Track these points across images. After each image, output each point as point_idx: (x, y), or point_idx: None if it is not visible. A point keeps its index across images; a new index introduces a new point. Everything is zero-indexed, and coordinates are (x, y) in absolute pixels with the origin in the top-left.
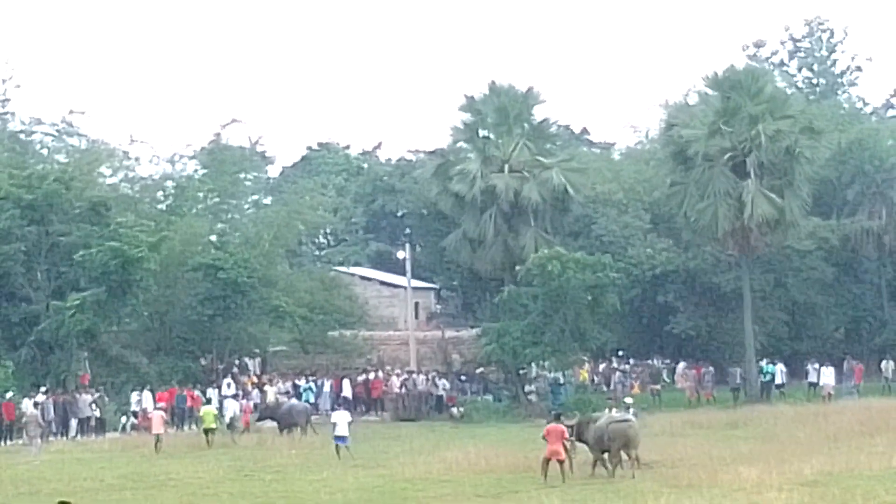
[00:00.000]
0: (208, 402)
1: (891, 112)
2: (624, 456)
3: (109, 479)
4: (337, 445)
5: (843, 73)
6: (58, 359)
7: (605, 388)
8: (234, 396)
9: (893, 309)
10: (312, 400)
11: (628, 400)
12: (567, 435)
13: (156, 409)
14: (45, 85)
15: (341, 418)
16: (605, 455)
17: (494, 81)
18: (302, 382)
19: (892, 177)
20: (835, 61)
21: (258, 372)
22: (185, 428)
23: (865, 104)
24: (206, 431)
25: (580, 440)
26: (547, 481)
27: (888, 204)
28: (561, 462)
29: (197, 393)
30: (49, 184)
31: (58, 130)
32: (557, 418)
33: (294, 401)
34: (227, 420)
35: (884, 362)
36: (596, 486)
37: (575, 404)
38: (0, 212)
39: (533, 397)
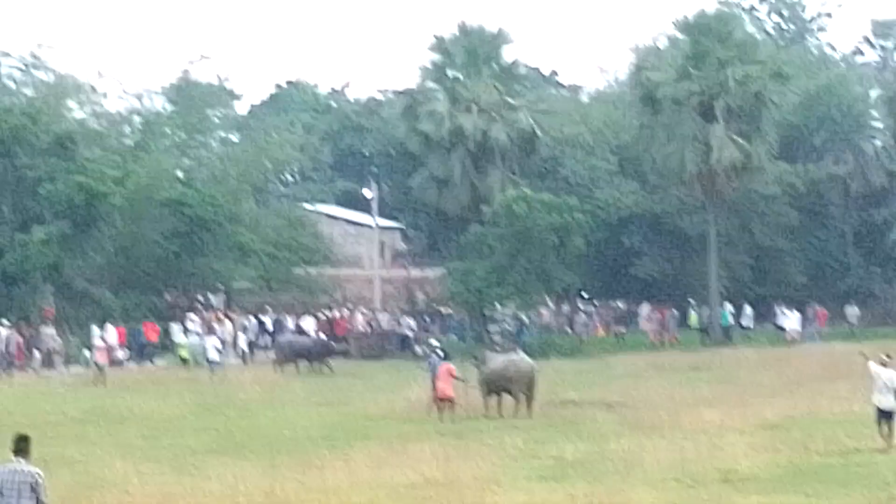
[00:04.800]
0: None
1: (859, 58)
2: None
3: (72, 412)
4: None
5: (812, 19)
6: (22, 292)
7: (568, 330)
8: (198, 333)
9: (858, 255)
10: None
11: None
12: (455, 374)
13: (100, 340)
14: (12, 18)
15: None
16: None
17: (464, 22)
18: (266, 319)
19: (860, 124)
20: (804, 7)
21: (222, 307)
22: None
23: (834, 50)
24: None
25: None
26: (441, 419)
27: (855, 150)
28: (449, 400)
29: (159, 327)
30: (15, 117)
31: (25, 64)
32: (446, 357)
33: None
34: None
35: (847, 308)
36: (557, 426)
37: (539, 345)
38: None
39: (497, 337)
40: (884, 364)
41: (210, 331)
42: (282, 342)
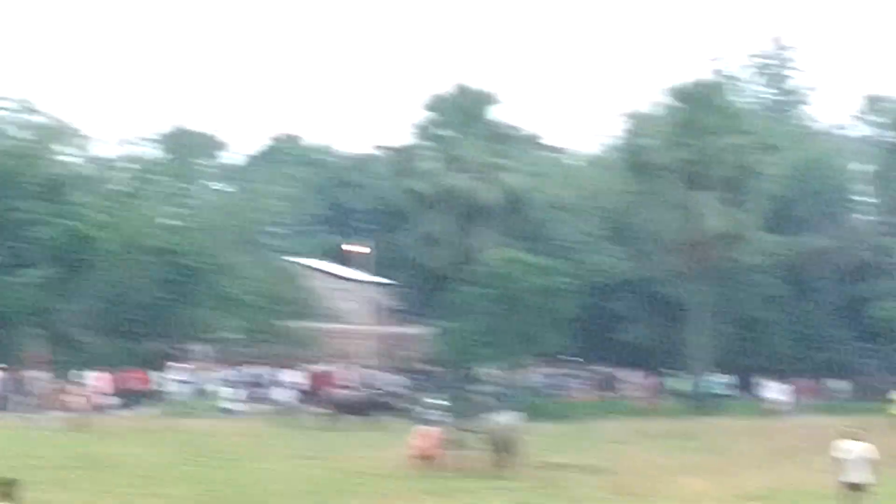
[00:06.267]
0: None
1: (850, 132)
2: None
3: (57, 458)
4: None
5: (801, 91)
6: (10, 335)
7: (553, 392)
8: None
9: (843, 328)
10: None
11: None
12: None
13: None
14: (5, 63)
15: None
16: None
17: (459, 83)
18: (251, 370)
19: (847, 197)
20: (791, 78)
21: (209, 357)
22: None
23: (818, 122)
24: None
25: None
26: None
27: (841, 224)
28: (428, 458)
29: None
30: (6, 160)
31: (17, 108)
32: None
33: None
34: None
35: (831, 381)
36: (542, 488)
37: (523, 407)
38: None
39: (479, 397)
40: (856, 438)
41: (193, 380)
42: (331, 396)
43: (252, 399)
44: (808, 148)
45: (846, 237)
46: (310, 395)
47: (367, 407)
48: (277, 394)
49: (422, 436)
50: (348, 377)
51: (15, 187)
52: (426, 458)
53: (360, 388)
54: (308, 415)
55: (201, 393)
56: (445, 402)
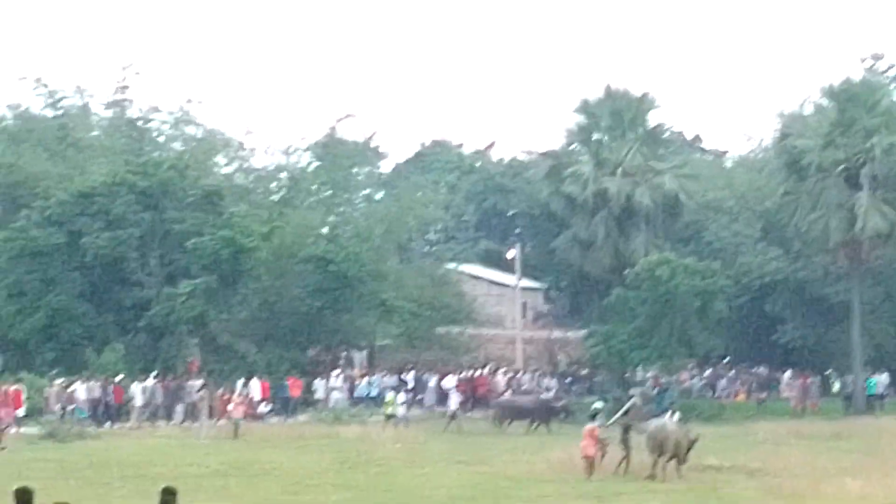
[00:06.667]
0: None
1: None
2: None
3: (214, 465)
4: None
5: None
6: (167, 344)
7: (709, 394)
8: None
9: None
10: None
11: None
12: (596, 434)
13: (239, 394)
14: (164, 73)
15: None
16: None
17: (609, 85)
18: (408, 377)
19: None
20: None
21: (365, 364)
22: (290, 418)
23: None
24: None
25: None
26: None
27: None
28: (588, 458)
29: (302, 382)
30: (164, 171)
31: (175, 119)
32: (592, 418)
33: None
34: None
35: None
36: (697, 491)
37: (679, 409)
38: (116, 198)
39: (637, 401)
40: None
41: (352, 388)
42: (501, 401)
43: (410, 404)
44: None
45: None
46: (468, 400)
47: (536, 412)
48: (435, 399)
49: (589, 437)
50: (507, 382)
51: (175, 199)
52: (592, 458)
53: (526, 393)
54: (466, 420)
55: (361, 400)
56: (608, 405)
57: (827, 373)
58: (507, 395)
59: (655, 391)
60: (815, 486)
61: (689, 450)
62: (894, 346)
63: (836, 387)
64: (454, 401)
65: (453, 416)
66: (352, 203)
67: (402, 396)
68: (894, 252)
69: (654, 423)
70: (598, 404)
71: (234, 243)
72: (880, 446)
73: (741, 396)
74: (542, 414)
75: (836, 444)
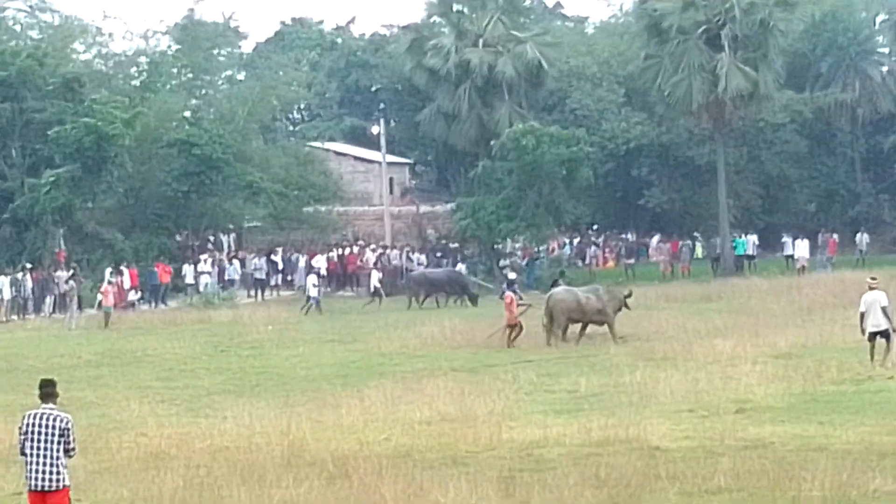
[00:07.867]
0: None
1: None
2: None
3: (86, 355)
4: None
5: None
6: (33, 236)
7: (579, 262)
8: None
9: (867, 181)
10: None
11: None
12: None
13: (108, 283)
14: None
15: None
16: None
17: None
18: (276, 258)
19: (866, 49)
20: None
21: (233, 247)
22: (161, 304)
23: None
24: None
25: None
26: (513, 346)
27: (861, 76)
28: (511, 327)
29: (171, 268)
30: (22, 60)
31: (30, 6)
32: (509, 286)
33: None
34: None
35: (858, 235)
36: (571, 359)
37: (549, 279)
38: None
39: (508, 272)
40: (872, 288)
41: (221, 271)
42: (416, 276)
43: (277, 286)
44: (825, 1)
45: (867, 90)
46: (337, 278)
47: (449, 285)
48: (305, 279)
49: (508, 308)
50: (377, 258)
51: (33, 88)
52: (518, 323)
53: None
54: (337, 300)
55: (231, 283)
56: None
57: (694, 235)
58: (420, 269)
59: (525, 261)
60: (688, 348)
61: (620, 308)
62: (761, 207)
63: (699, 251)
64: (375, 278)
65: (376, 294)
66: (214, 85)
67: (313, 278)
68: (757, 112)
69: (551, 293)
70: (512, 274)
71: (96, 130)
72: (750, 306)
73: (610, 263)
74: (457, 288)
75: (707, 306)
